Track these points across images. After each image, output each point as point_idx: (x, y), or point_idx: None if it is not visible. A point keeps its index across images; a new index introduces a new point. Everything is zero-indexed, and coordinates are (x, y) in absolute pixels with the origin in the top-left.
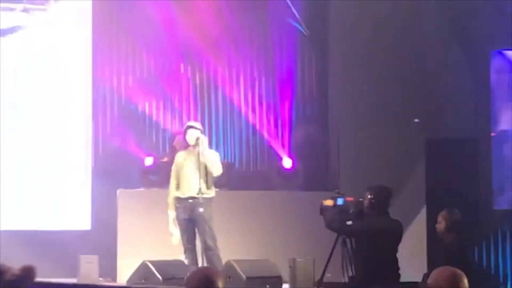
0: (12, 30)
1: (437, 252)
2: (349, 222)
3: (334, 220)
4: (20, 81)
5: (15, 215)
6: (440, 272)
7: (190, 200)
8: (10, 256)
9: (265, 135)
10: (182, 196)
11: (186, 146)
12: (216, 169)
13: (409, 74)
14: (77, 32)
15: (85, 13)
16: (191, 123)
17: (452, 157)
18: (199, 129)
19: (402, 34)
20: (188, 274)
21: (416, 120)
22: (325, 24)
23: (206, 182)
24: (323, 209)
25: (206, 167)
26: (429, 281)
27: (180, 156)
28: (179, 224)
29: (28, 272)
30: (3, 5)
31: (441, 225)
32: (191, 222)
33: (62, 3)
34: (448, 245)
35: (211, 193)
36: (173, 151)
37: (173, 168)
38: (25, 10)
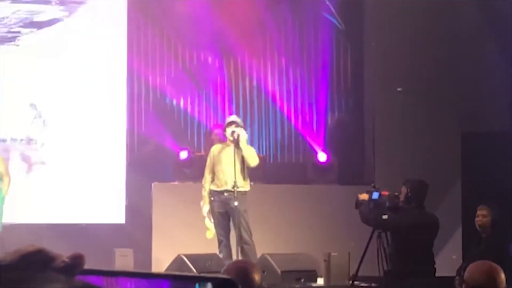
0: (48, 23)
1: (473, 247)
2: (385, 216)
3: (370, 214)
4: (56, 75)
5: (52, 208)
6: (477, 266)
7: (225, 194)
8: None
9: (300, 128)
10: (217, 190)
11: (222, 140)
12: (252, 160)
13: (445, 67)
14: (112, 27)
15: (121, 8)
16: (232, 118)
17: (488, 151)
18: (239, 124)
19: (438, 27)
20: (225, 267)
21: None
22: (360, 18)
23: (242, 176)
24: (358, 203)
25: (242, 161)
26: (465, 275)
27: (215, 149)
28: (214, 218)
29: (77, 260)
30: None
31: (485, 219)
32: (226, 215)
33: None
34: (486, 240)
35: (246, 187)
36: (210, 146)
37: (208, 161)
38: (61, 3)
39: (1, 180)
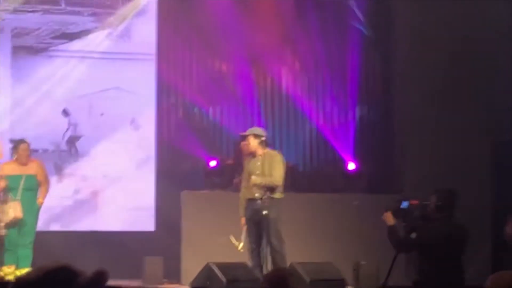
0: (79, 34)
1: (503, 256)
2: (413, 235)
3: (399, 241)
4: (87, 85)
5: (82, 217)
6: (501, 275)
7: (257, 201)
8: (76, 256)
9: (329, 137)
10: (250, 197)
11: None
12: (274, 182)
13: (476, 75)
14: (141, 37)
15: (150, 18)
16: (251, 130)
17: None
18: (246, 135)
19: (468, 35)
20: (266, 274)
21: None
22: (388, 25)
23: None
24: (388, 232)
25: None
26: (488, 283)
27: (248, 161)
28: (247, 225)
29: (100, 276)
30: (70, 8)
31: None
32: (258, 223)
33: (129, 6)
34: None
35: (277, 195)
36: (239, 154)
37: (244, 171)
38: (92, 14)
39: (40, 186)
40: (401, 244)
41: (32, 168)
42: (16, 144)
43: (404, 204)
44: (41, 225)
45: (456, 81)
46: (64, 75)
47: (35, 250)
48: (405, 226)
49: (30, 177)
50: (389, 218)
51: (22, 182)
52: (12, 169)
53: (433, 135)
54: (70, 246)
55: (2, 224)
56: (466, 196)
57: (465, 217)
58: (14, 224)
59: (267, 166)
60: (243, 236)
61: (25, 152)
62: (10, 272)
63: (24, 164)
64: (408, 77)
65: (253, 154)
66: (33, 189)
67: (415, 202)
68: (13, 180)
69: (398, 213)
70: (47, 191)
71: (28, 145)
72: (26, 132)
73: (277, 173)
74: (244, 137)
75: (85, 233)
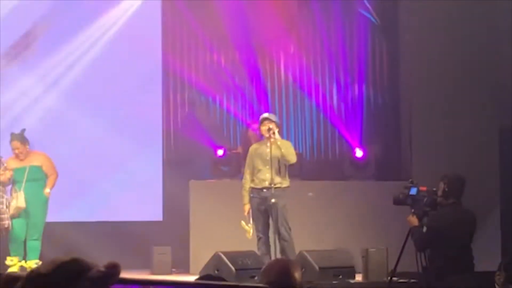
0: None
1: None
2: (424, 229)
3: (422, 241)
4: (91, 74)
5: (91, 207)
6: (272, 264)
7: (264, 190)
8: (84, 247)
9: (336, 124)
10: (256, 187)
11: (259, 137)
12: (291, 157)
13: (483, 60)
14: (146, 26)
15: (155, 8)
16: (266, 115)
17: None
18: (274, 121)
19: (475, 22)
20: (265, 265)
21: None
22: (395, 12)
23: (279, 172)
24: (412, 233)
25: (278, 158)
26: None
27: (253, 148)
28: (254, 214)
29: (113, 269)
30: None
31: None
32: (265, 212)
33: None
34: None
35: (285, 183)
36: (246, 143)
37: (247, 160)
38: (95, 3)
39: (47, 177)
40: (422, 243)
41: (37, 160)
42: (10, 139)
43: (413, 191)
44: (49, 216)
45: (462, 67)
46: (68, 65)
47: (43, 242)
48: (414, 213)
49: (34, 168)
50: (413, 220)
51: (25, 174)
52: (16, 162)
53: (440, 121)
54: (78, 237)
55: (6, 215)
56: (474, 182)
57: (474, 202)
58: (18, 213)
59: (278, 150)
60: (250, 222)
61: (15, 151)
62: (13, 264)
63: (22, 159)
64: (415, 64)
65: (266, 139)
66: (38, 179)
67: (424, 188)
68: (17, 173)
69: (407, 199)
70: (54, 182)
71: (18, 143)
72: (31, 125)
73: (293, 152)
74: (260, 123)
75: (94, 223)
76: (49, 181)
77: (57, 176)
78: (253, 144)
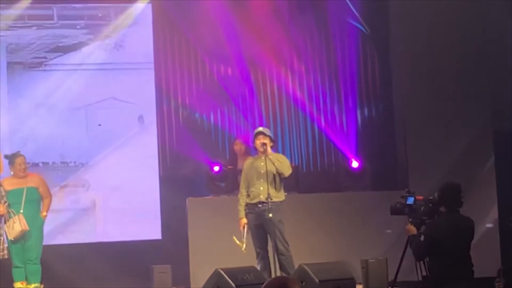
0: (74, 47)
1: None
2: (422, 238)
3: (420, 249)
4: (84, 96)
5: (89, 228)
6: (271, 281)
7: (260, 205)
8: (84, 268)
9: (331, 136)
10: (252, 202)
11: (245, 150)
12: (286, 170)
13: (475, 66)
14: (137, 45)
15: (146, 26)
16: (261, 129)
17: None
18: (268, 135)
19: (466, 30)
20: (264, 284)
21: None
22: (386, 22)
23: (275, 186)
24: (410, 242)
25: (273, 172)
26: None
27: (247, 163)
28: (250, 230)
29: None
30: (62, 22)
31: None
32: (262, 227)
33: (122, 16)
34: None
35: (281, 197)
36: (233, 155)
37: (242, 176)
38: (86, 27)
39: (42, 200)
40: (420, 252)
41: (33, 181)
42: (12, 158)
43: (410, 200)
44: (46, 239)
45: (454, 74)
46: (61, 88)
47: (42, 264)
48: (412, 222)
49: (31, 189)
50: (411, 229)
51: (24, 195)
52: (12, 183)
53: (434, 129)
54: (77, 258)
55: (6, 245)
56: (471, 188)
57: (472, 209)
58: (22, 237)
59: (273, 164)
60: (245, 236)
61: (22, 166)
62: None
63: (23, 177)
64: (407, 72)
65: (260, 153)
66: (35, 201)
67: (420, 197)
68: (15, 194)
69: (404, 209)
70: (49, 204)
71: (24, 158)
72: (25, 147)
73: (288, 165)
74: (254, 137)
75: (93, 244)
76: (45, 204)
77: (51, 198)
78: (238, 156)
